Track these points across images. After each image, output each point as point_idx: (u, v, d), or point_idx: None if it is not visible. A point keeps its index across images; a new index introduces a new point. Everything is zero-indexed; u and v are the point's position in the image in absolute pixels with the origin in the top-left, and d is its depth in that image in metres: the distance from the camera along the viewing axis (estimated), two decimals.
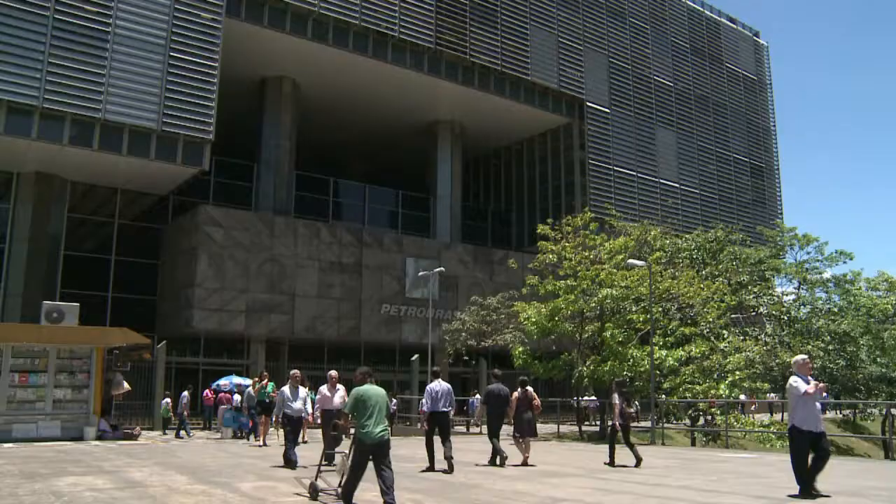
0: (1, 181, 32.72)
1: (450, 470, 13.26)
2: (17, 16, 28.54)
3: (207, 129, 32.41)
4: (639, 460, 15.18)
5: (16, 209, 32.61)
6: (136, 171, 33.14)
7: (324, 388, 15.46)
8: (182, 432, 25.23)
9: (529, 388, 15.94)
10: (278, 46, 37.58)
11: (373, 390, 8.75)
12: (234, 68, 36.34)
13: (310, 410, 15.25)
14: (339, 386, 15.42)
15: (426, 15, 40.67)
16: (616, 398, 15.79)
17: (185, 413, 26.19)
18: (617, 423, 15.66)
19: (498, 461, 14.97)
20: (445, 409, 14.09)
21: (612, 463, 15.53)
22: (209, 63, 32.88)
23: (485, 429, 16.84)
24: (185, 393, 26.92)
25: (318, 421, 15.34)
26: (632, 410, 18.25)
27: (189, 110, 32.06)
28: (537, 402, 15.89)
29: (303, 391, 15.16)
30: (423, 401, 14.46)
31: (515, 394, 15.80)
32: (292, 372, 15.47)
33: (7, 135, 28.45)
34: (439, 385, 14.17)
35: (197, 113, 32.27)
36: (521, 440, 15.61)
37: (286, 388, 15.02)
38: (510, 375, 31.79)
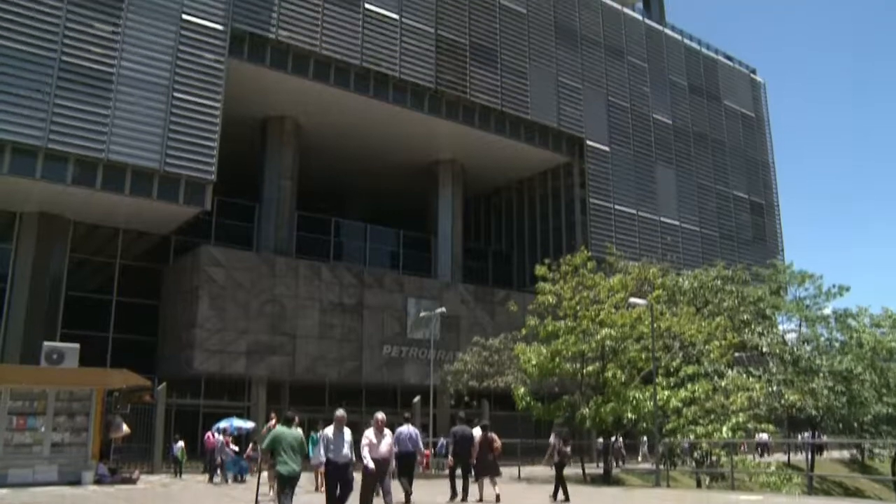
0: (4, 221, 32.72)
1: (406, 502, 15.05)
2: (25, 58, 28.82)
3: (209, 170, 32.52)
4: (567, 497, 17.58)
5: (18, 249, 32.62)
6: (138, 210, 33.20)
7: (370, 433, 13.52)
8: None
9: (491, 433, 17.87)
10: (280, 86, 37.87)
11: (289, 432, 11.34)
12: (236, 108, 36.55)
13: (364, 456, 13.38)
14: (386, 431, 13.73)
15: (426, 55, 41.02)
16: (553, 438, 18.50)
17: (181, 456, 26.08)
18: (555, 461, 18.14)
19: (460, 497, 17.14)
20: (410, 451, 15.95)
21: (555, 497, 17.92)
22: (212, 103, 33.09)
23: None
24: (180, 444, 26.85)
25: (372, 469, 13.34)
26: (567, 450, 19.50)
27: (191, 150, 32.21)
28: (498, 444, 17.85)
29: (348, 434, 12.56)
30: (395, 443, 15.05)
31: (478, 436, 17.58)
32: (337, 413, 12.69)
33: (11, 175, 28.56)
34: (407, 429, 16.20)
35: (199, 153, 32.41)
36: (485, 479, 17.42)
37: (329, 431, 12.54)
38: (512, 417, 31.73)
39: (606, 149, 48.33)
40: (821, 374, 33.10)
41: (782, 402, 29.70)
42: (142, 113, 31.17)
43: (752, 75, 62.57)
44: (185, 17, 33.02)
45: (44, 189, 30.10)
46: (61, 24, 29.83)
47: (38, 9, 29.49)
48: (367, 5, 39.22)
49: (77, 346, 22.89)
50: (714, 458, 26.16)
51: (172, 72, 32.24)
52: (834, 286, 37.95)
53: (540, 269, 29.33)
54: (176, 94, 32.14)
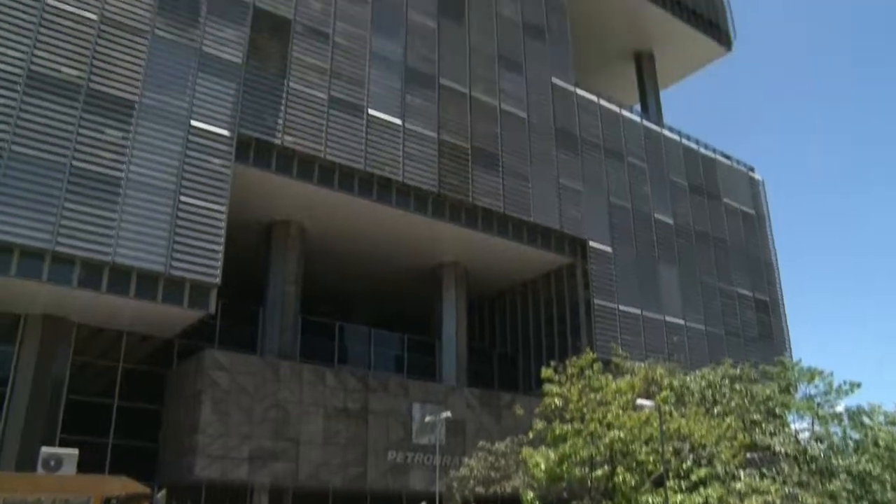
0: (8, 323, 32.63)
1: None
2: (37, 162, 29.41)
3: (214, 273, 32.64)
4: None
5: (21, 352, 32.40)
6: (142, 313, 33.16)
7: None
8: None
9: None
10: (285, 191, 38.40)
11: None
12: (241, 212, 36.96)
13: None
14: None
15: (429, 160, 41.71)
16: None
17: None
18: None
19: None
20: None
21: None
22: (217, 207, 33.49)
23: None
24: None
25: None
26: None
27: (196, 254, 32.41)
28: None
29: None
30: None
31: None
32: None
33: (18, 277, 28.67)
34: None
35: (204, 257, 32.60)
36: None
37: None
38: None
39: (609, 249, 48.60)
40: (839, 476, 32.26)
41: None
42: (148, 216, 31.53)
43: (750, 173, 63.46)
44: (193, 123, 33.82)
45: (50, 291, 30.14)
46: (74, 131, 30.57)
47: (53, 116, 30.26)
48: (370, 111, 40.15)
49: (76, 451, 22.41)
50: None
51: (179, 176, 32.78)
52: (845, 383, 37.29)
53: (546, 372, 29.09)
54: (182, 199, 32.58)
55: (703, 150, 59.52)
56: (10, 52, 30.15)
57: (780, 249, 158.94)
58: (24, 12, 30.86)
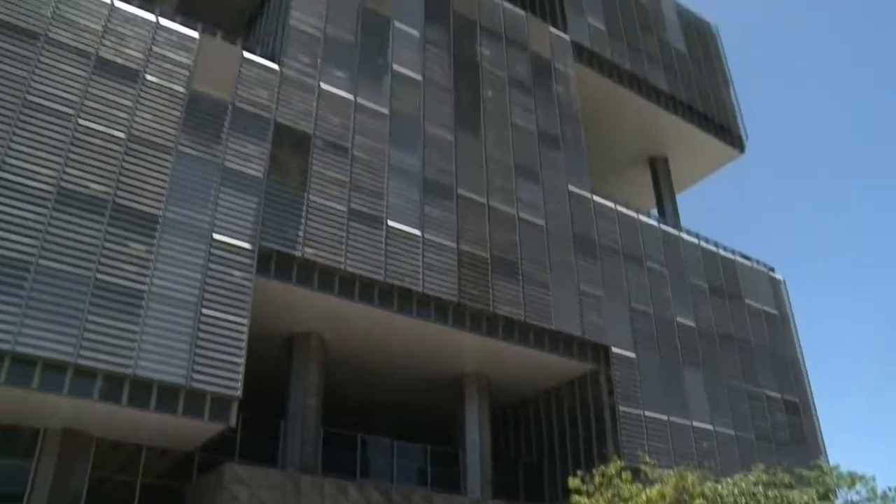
0: (27, 437, 32.43)
1: None
2: (62, 277, 29.90)
3: (235, 386, 32.53)
4: None
5: (38, 466, 32.00)
6: (163, 427, 32.91)
7: None
8: None
9: None
10: (306, 303, 38.64)
11: None
12: (262, 325, 37.11)
13: None
14: None
15: (449, 270, 41.96)
16: None
17: None
18: None
19: None
20: None
21: None
22: (238, 320, 33.68)
23: None
24: None
25: None
26: None
27: (217, 367, 32.40)
28: None
29: None
30: None
31: None
32: None
33: (40, 391, 28.68)
34: None
35: (225, 369, 32.57)
36: None
37: None
38: None
39: (632, 355, 48.09)
40: None
41: None
42: (170, 329, 31.73)
43: (771, 273, 63.20)
44: (215, 236, 34.43)
45: (70, 405, 30.04)
46: (99, 245, 31.19)
47: (80, 230, 31.00)
48: (389, 223, 40.74)
49: None
50: None
51: (201, 289, 33.15)
52: (889, 489, 36.02)
53: (574, 482, 28.48)
54: (204, 311, 32.84)
55: (722, 252, 59.54)
56: (42, 170, 31.17)
57: (805, 349, 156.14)
58: (56, 132, 32.07)
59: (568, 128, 52.35)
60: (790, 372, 59.40)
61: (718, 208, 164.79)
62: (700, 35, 69.59)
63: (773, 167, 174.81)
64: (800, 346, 61.90)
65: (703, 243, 58.53)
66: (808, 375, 60.78)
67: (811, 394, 59.95)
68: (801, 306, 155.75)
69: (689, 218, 67.37)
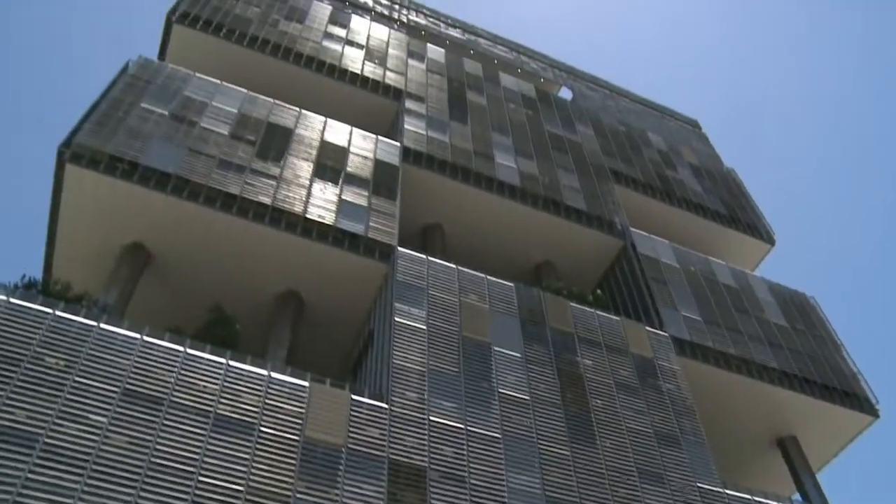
0: None
1: None
2: None
3: None
4: None
5: None
6: None
7: None
8: None
9: None
10: None
11: None
12: None
13: None
14: None
15: None
16: None
17: None
18: None
19: None
20: None
21: None
22: None
23: None
24: None
25: None
26: None
27: None
28: None
29: None
30: None
31: None
32: None
33: None
34: None
35: None
36: None
37: None
38: None
39: None
40: None
41: None
42: None
43: None
44: None
45: None
46: None
47: None
48: None
49: None
50: None
51: None
52: None
53: None
54: None
55: None
56: None
57: None
58: (179, 491, 32.59)
59: (685, 423, 51.28)
60: None
61: (868, 480, 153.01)
62: (798, 307, 69.40)
63: None
64: None
65: None
66: None
67: None
68: None
69: (838, 494, 62.99)
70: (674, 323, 57.89)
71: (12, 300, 36.46)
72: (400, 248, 51.13)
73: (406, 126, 64.75)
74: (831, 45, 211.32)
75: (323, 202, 51.54)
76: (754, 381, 58.59)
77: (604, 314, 55.00)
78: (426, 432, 41.74)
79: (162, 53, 66.69)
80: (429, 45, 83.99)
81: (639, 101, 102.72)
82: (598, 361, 50.85)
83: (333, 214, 50.96)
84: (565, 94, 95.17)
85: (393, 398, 42.17)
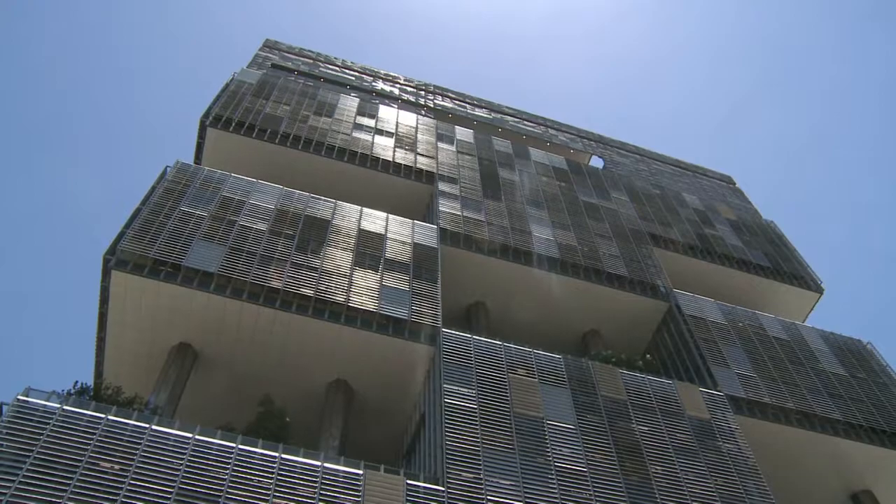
0: None
1: None
2: None
3: None
4: None
5: None
6: None
7: None
8: None
9: None
10: None
11: None
12: None
13: None
14: None
15: None
16: None
17: None
18: None
19: None
20: None
21: None
22: None
23: None
24: None
25: None
26: None
27: None
28: None
29: None
30: None
31: None
32: None
33: None
34: None
35: None
36: None
37: None
38: None
39: None
40: None
41: None
42: None
43: None
44: None
45: None
46: None
47: None
48: None
49: None
50: None
51: None
52: None
53: None
54: None
55: None
56: None
57: None
58: None
59: (750, 484, 49.60)
60: None
61: None
62: (855, 354, 67.51)
63: None
64: None
65: None
66: None
67: None
68: None
69: None
70: (727, 381, 56.62)
71: (66, 407, 36.98)
72: (445, 329, 51.08)
73: (441, 208, 65.48)
74: (863, 86, 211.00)
75: (365, 290, 51.94)
76: (817, 434, 56.58)
77: (655, 378, 54.10)
78: None
79: (198, 155, 68.70)
80: (457, 126, 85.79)
81: (670, 163, 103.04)
82: (653, 427, 49.78)
83: (376, 301, 51.23)
84: (596, 162, 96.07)
85: (449, 480, 41.47)
